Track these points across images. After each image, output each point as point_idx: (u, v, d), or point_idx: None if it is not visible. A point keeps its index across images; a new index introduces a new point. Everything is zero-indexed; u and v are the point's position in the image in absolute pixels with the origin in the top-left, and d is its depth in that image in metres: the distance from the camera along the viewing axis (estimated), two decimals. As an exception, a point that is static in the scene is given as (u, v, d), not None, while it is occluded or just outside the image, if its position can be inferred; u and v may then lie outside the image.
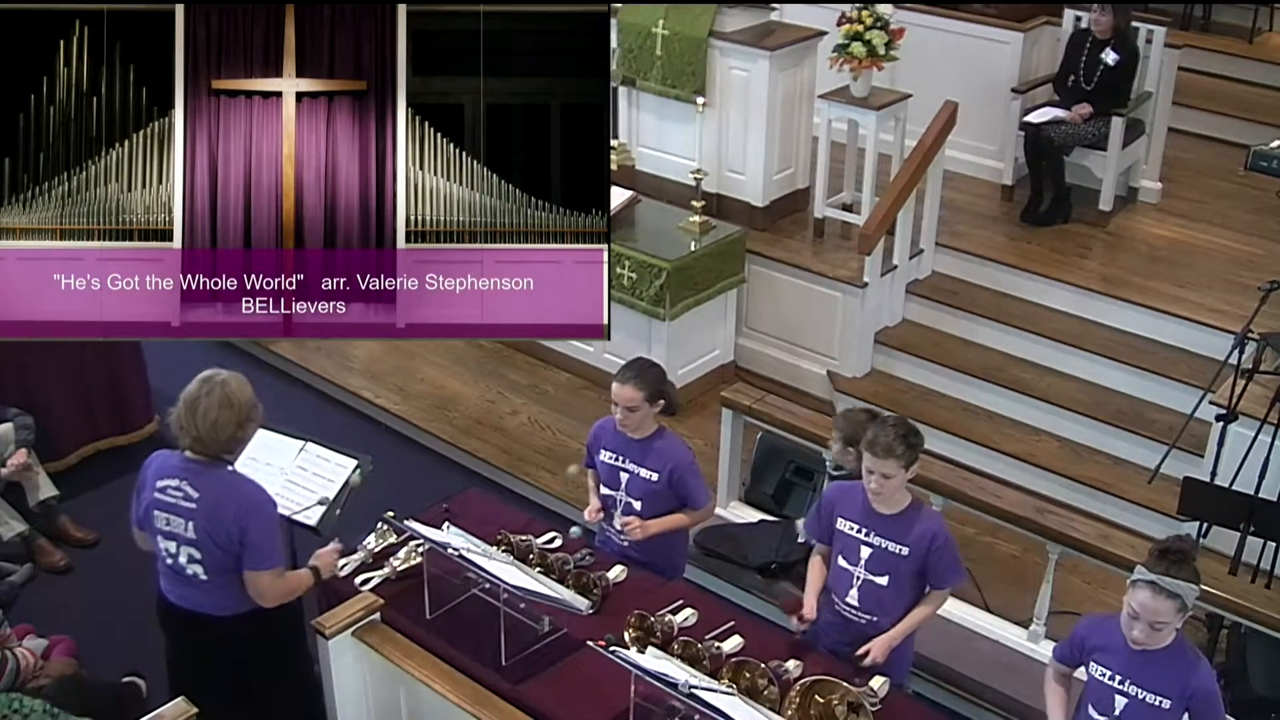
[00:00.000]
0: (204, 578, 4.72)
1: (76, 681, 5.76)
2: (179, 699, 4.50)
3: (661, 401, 5.27)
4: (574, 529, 5.43)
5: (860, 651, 4.72)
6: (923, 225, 8.36)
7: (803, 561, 5.56)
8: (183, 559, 4.72)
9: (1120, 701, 4.23)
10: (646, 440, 5.32)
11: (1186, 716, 4.22)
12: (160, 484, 4.71)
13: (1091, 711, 4.34)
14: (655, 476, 5.28)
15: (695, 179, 8.04)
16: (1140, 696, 4.19)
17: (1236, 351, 6.01)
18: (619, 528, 5.35)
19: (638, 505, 5.33)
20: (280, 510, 5.19)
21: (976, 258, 8.41)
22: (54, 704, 5.27)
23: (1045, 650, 6.04)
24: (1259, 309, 6.15)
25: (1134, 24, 8.57)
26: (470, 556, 4.60)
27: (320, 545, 5.13)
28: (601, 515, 5.44)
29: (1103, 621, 4.37)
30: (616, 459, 5.37)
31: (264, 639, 4.87)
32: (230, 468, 4.76)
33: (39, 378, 7.31)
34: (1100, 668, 4.30)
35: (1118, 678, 4.24)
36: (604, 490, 5.46)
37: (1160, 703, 4.17)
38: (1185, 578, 4.02)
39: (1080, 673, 4.48)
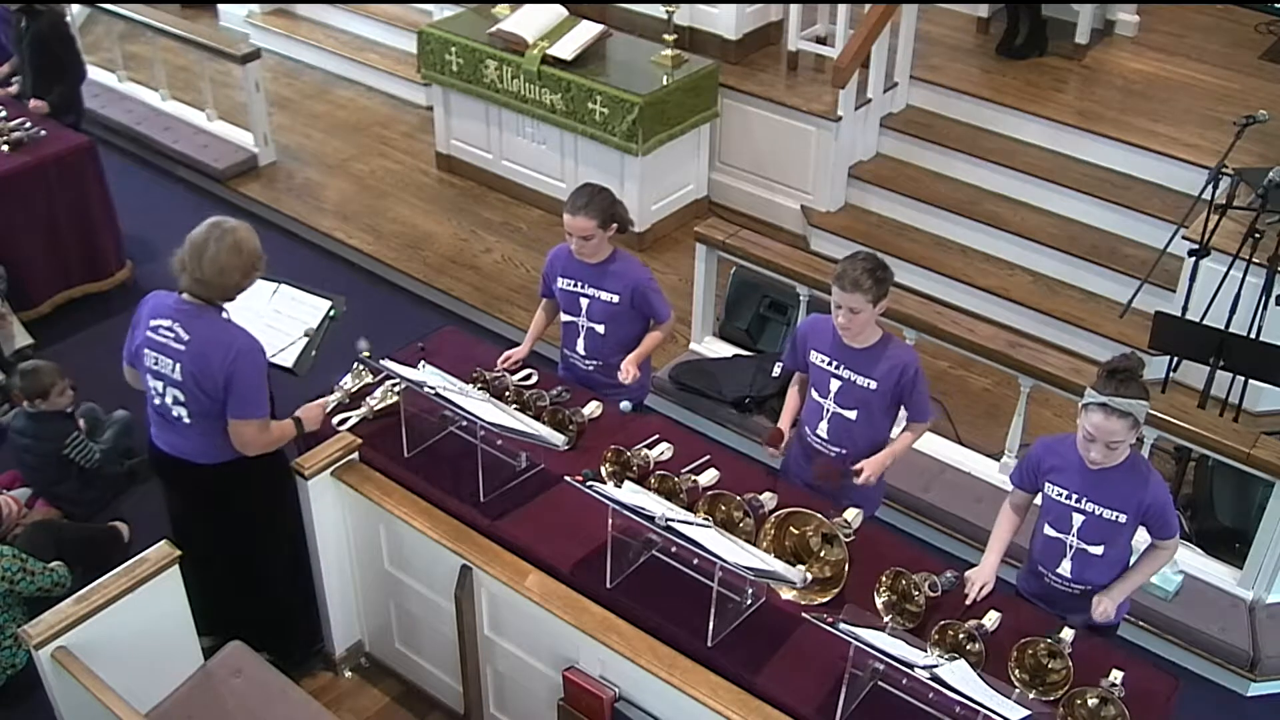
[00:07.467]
0: (187, 421, 4.72)
1: (49, 526, 5.80)
2: (162, 542, 4.53)
3: (614, 225, 5.25)
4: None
5: (855, 468, 4.76)
6: (897, 58, 8.26)
7: (777, 396, 5.58)
8: (168, 400, 4.72)
9: (1078, 519, 4.32)
10: (603, 264, 5.32)
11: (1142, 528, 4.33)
12: (153, 323, 4.69)
13: (1049, 530, 4.42)
14: (616, 298, 5.30)
15: (667, 12, 7.89)
16: (1097, 513, 4.28)
17: (1210, 187, 5.99)
18: (583, 357, 5.41)
19: (600, 329, 5.36)
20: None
21: (951, 91, 8.34)
22: (26, 550, 5.33)
23: (1016, 482, 6.14)
24: (1234, 144, 6.11)
25: None
26: (447, 394, 4.60)
27: (298, 389, 5.13)
28: (515, 364, 5.40)
29: (1057, 443, 4.43)
30: (575, 285, 5.36)
31: (246, 487, 4.89)
32: (224, 314, 4.73)
33: (8, 228, 7.22)
34: (1056, 488, 4.37)
35: (1074, 496, 4.32)
36: (565, 317, 5.46)
37: (1116, 517, 4.27)
38: (1134, 395, 4.05)
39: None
